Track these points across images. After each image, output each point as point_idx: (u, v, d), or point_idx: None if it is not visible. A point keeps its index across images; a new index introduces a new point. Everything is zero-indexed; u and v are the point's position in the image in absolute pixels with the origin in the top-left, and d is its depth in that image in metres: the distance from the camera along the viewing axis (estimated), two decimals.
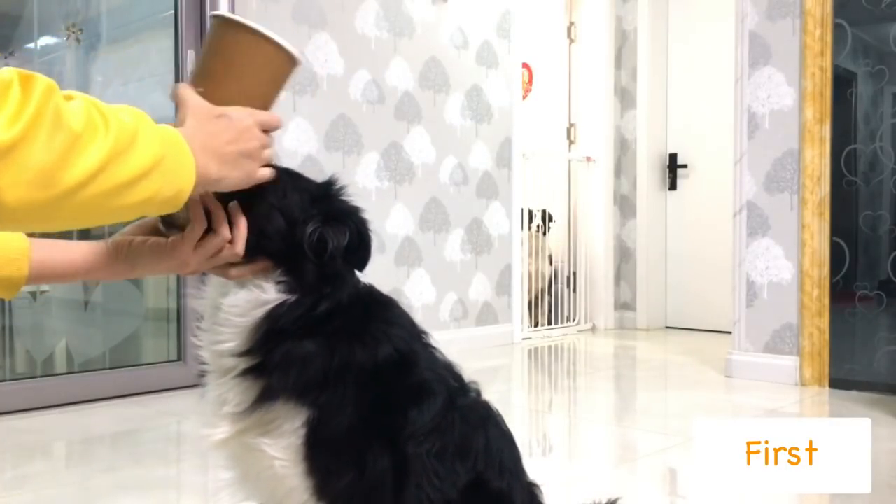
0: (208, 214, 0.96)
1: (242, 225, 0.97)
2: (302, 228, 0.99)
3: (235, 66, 0.95)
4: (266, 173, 0.95)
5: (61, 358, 3.19)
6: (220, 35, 0.96)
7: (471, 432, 1.04)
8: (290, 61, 0.98)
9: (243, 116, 0.91)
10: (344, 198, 1.05)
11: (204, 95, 0.92)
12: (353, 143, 3.94)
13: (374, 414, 0.99)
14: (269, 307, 0.97)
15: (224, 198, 0.96)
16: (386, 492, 0.97)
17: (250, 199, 0.97)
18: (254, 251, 0.98)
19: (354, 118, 3.94)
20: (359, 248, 1.03)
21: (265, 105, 0.98)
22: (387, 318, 1.05)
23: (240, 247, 0.97)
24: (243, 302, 0.98)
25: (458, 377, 1.09)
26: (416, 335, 1.07)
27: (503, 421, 1.12)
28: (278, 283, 0.98)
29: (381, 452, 0.98)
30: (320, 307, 0.98)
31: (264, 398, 0.97)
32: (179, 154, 0.82)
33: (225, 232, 0.96)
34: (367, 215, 1.06)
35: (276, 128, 0.96)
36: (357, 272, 1.06)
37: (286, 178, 1.02)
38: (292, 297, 0.97)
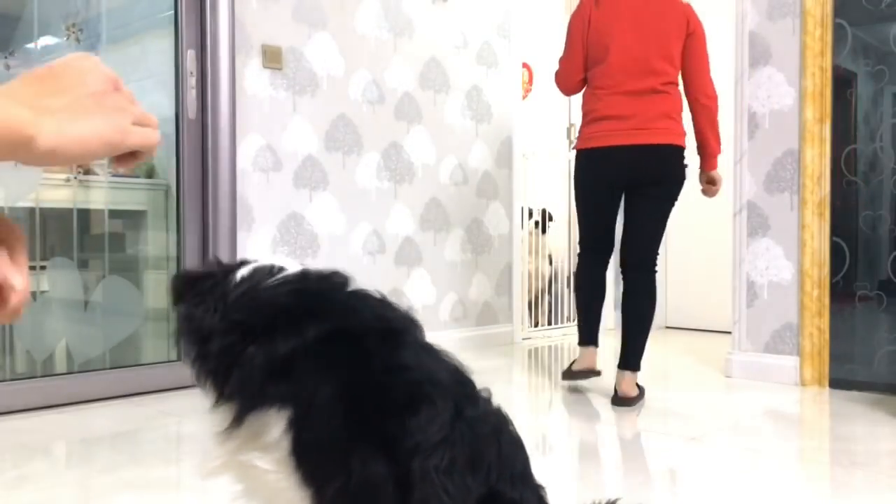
0: None
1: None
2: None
3: None
4: (143, 134, 0.64)
5: (61, 358, 3.19)
6: None
7: (482, 444, 0.97)
8: None
9: (69, 61, 0.62)
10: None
11: None
12: (353, 143, 3.94)
13: (360, 413, 0.95)
14: None
15: None
16: (381, 495, 0.94)
17: None
18: None
19: (354, 118, 3.94)
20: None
21: None
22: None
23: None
24: None
25: (467, 382, 1.03)
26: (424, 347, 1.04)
27: (514, 427, 1.06)
28: None
29: (371, 455, 0.93)
30: None
31: (238, 412, 0.97)
32: None
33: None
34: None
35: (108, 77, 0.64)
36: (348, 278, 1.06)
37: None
38: None
